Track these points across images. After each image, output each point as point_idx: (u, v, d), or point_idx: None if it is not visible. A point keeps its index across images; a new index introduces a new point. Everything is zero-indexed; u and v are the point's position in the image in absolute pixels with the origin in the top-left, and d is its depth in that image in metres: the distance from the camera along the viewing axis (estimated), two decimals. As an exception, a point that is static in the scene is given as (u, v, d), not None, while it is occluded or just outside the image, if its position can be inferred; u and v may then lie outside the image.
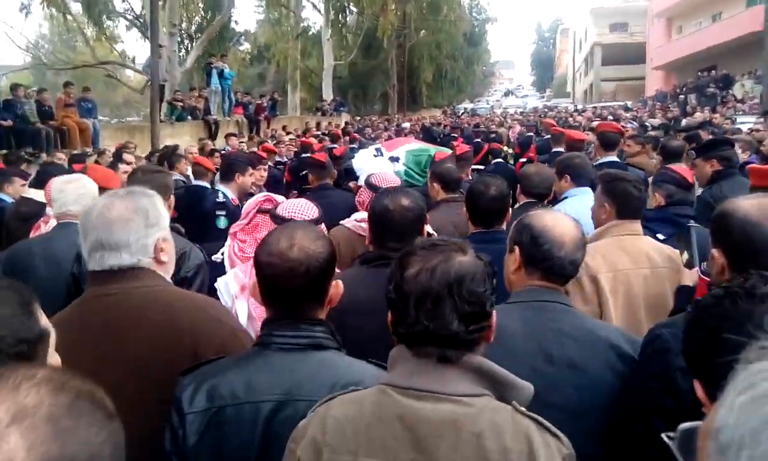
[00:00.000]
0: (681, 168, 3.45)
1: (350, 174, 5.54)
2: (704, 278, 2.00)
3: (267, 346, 1.46)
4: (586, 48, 51.79)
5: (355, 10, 34.00)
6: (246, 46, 41.08)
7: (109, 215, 1.66)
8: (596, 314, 2.27)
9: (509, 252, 1.85)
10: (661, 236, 2.87)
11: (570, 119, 17.23)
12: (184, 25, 25.43)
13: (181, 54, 23.40)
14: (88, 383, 0.72)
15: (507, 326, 1.60)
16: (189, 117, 16.19)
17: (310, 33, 35.64)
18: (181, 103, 15.83)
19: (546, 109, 26.35)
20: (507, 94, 67.71)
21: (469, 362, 1.20)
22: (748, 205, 1.63)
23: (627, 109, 22.42)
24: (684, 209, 3.17)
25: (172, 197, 2.92)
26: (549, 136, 7.40)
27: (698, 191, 4.09)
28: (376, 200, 2.29)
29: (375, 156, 5.46)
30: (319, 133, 16.55)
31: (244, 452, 1.40)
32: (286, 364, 1.43)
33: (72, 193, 2.95)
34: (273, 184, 6.14)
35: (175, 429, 1.42)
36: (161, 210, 1.77)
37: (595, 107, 27.30)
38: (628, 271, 2.38)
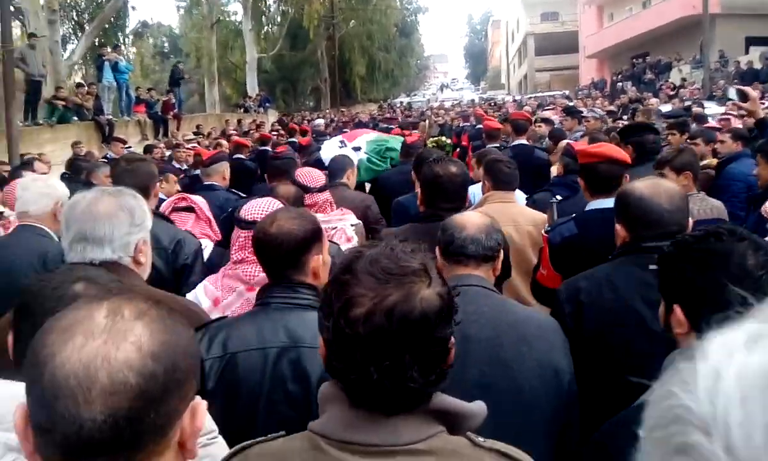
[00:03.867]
0: (576, 143, 4.34)
1: (319, 164, 5.68)
2: (545, 235, 2.69)
3: (267, 305, 1.73)
4: (518, 38, 51.25)
5: (276, -2, 31.81)
6: (162, 39, 38.23)
7: (96, 209, 1.69)
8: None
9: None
10: (558, 197, 3.45)
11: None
12: (74, 13, 22.45)
13: (73, 46, 20.56)
14: None
15: None
16: (75, 117, 13.73)
17: (232, 27, 33.15)
18: (62, 102, 13.32)
19: (483, 102, 24.82)
20: (443, 87, 66.79)
21: (425, 406, 1.00)
22: (642, 186, 2.01)
23: (567, 98, 21.38)
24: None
25: (157, 185, 2.89)
26: (480, 125, 8.29)
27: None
28: (428, 168, 2.71)
29: (340, 147, 5.85)
30: (232, 131, 14.48)
31: (255, 393, 1.60)
32: (286, 318, 1.68)
33: (34, 192, 2.77)
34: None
35: None
36: (147, 212, 1.83)
37: (537, 97, 26.15)
38: (493, 229, 3.17)
